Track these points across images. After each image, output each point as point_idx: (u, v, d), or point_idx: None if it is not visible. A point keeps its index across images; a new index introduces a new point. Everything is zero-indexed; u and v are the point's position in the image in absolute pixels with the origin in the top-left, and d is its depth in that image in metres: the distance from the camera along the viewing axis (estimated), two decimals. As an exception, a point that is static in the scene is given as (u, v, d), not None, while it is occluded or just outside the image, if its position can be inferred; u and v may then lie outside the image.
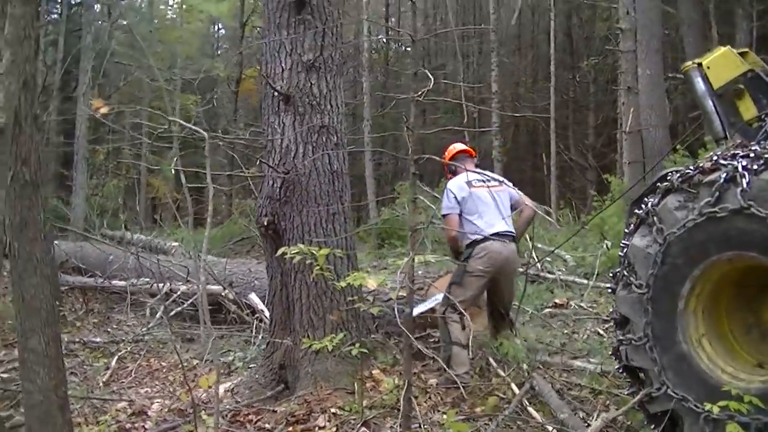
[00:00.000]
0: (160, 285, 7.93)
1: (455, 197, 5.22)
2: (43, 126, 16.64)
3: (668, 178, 3.62)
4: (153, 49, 21.07)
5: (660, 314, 3.57)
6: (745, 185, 3.22)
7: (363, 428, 3.87)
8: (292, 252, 3.73)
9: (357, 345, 3.88)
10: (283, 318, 4.90)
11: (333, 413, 4.18)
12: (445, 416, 4.11)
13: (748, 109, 4.34)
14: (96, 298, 9.54)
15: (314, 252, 3.74)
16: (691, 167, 3.56)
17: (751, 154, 3.35)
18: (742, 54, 4.55)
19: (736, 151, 3.49)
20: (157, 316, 7.39)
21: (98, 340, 7.30)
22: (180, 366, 6.06)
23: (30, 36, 2.68)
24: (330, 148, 4.81)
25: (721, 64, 4.47)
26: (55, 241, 9.93)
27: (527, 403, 4.17)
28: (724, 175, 3.32)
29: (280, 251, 4.05)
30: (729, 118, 4.42)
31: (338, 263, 4.71)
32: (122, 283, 8.84)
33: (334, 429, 4.00)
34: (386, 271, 8.37)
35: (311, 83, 4.78)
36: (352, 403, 4.25)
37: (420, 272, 6.23)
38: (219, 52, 30.02)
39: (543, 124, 19.56)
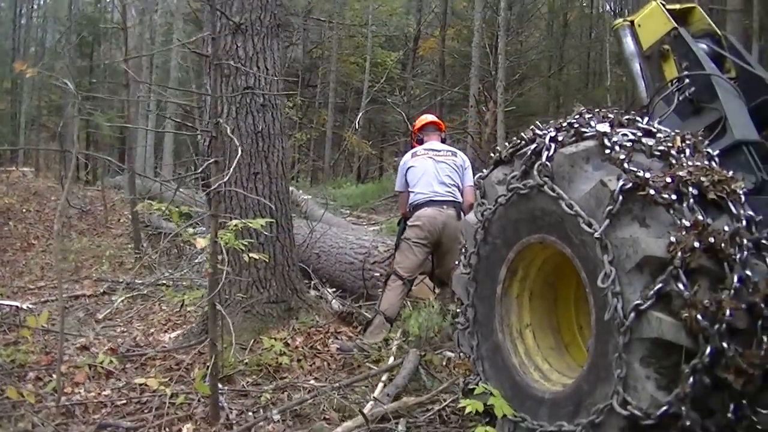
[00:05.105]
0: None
1: (403, 172, 5.28)
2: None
3: (500, 148, 3.27)
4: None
5: (482, 298, 3.27)
6: (544, 158, 2.82)
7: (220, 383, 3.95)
8: (148, 208, 3.88)
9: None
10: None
11: (208, 366, 4.28)
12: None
13: (672, 74, 3.74)
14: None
15: (171, 209, 3.89)
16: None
17: (567, 124, 2.93)
18: (686, 10, 3.92)
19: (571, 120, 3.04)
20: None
21: (139, 282, 7.96)
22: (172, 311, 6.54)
23: None
24: (255, 109, 4.84)
25: (651, 21, 3.88)
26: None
27: (385, 380, 3.99)
28: (533, 146, 2.93)
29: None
30: (655, 82, 3.86)
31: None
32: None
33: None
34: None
35: (237, 45, 4.83)
36: (227, 359, 4.34)
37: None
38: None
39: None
